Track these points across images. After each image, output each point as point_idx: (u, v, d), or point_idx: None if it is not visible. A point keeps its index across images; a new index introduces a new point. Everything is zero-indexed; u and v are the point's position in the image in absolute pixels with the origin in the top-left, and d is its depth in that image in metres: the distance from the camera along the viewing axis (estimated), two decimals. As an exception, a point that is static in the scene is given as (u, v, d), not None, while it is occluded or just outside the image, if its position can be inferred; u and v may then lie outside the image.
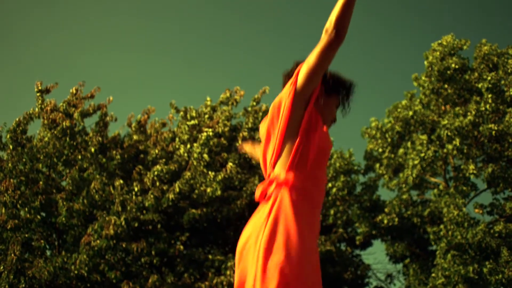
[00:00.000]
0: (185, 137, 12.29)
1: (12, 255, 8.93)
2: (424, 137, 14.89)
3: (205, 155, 11.05)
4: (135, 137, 12.95)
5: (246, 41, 46.22)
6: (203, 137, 11.12)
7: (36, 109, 10.91)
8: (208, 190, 10.90)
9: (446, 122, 14.20)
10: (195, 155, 11.02)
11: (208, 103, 13.69)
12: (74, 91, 11.42)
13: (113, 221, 9.51)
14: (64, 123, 10.33)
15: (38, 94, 11.13)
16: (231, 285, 10.12)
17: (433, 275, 13.45)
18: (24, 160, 10.16)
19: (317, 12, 43.86)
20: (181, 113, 13.42)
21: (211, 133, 11.17)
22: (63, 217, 9.61)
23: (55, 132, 10.36)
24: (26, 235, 9.56)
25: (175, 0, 45.91)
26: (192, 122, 12.62)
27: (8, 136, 10.44)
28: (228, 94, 13.50)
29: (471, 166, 14.26)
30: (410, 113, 15.55)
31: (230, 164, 11.18)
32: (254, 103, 14.01)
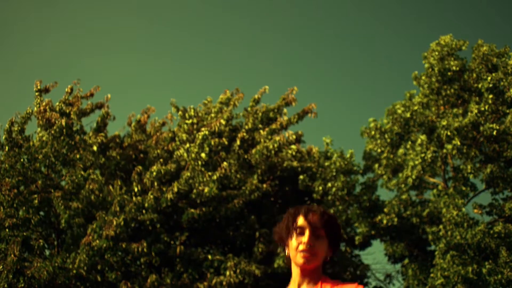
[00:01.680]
0: (184, 136, 12.28)
1: (12, 255, 8.93)
2: (424, 137, 14.89)
3: (203, 155, 11.05)
4: (135, 136, 12.94)
5: (246, 41, 46.23)
6: (200, 137, 11.12)
7: (35, 109, 10.90)
8: (206, 189, 10.91)
9: (445, 122, 14.20)
10: (193, 155, 11.02)
11: (207, 101, 13.67)
12: (69, 90, 11.41)
13: (114, 222, 9.51)
14: (59, 122, 10.32)
15: (37, 93, 11.12)
16: (230, 285, 10.13)
17: (432, 275, 13.45)
18: (22, 160, 10.15)
19: (317, 12, 43.87)
20: (180, 112, 13.41)
21: (207, 133, 11.17)
22: (66, 215, 9.60)
23: (52, 131, 10.36)
24: (25, 234, 9.55)
25: (175, 0, 45.91)
26: (190, 121, 12.61)
27: (4, 137, 10.43)
28: (228, 95, 13.50)
29: (470, 165, 14.28)
30: (408, 114, 15.54)
31: (225, 163, 11.19)
32: (254, 103, 14.02)
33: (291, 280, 2.19)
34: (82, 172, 10.28)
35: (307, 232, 2.10)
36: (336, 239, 2.19)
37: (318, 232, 2.12)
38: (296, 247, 2.10)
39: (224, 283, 10.03)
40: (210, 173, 11.05)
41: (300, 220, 2.14)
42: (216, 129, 12.13)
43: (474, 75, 15.41)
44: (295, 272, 2.15)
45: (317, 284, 2.11)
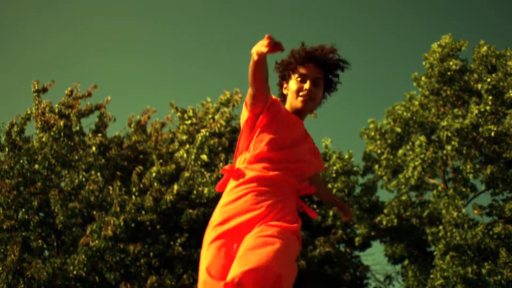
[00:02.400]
0: (184, 137, 12.29)
1: (12, 255, 8.94)
2: (423, 138, 14.90)
3: (204, 156, 11.05)
4: (134, 137, 12.94)
5: (246, 42, 46.27)
6: (199, 138, 11.12)
7: (33, 109, 10.88)
8: (205, 190, 10.91)
9: (445, 123, 14.21)
10: (193, 156, 11.02)
11: (205, 102, 13.65)
12: (69, 92, 11.40)
13: (112, 222, 9.51)
14: (58, 124, 10.32)
15: (35, 94, 11.09)
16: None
17: (431, 276, 13.45)
18: (21, 161, 10.15)
19: (317, 12, 43.91)
20: (179, 113, 13.38)
21: (207, 134, 11.17)
22: (61, 216, 9.60)
23: (51, 133, 10.35)
24: (24, 234, 9.56)
25: (175, 0, 45.96)
26: (190, 121, 12.61)
27: (3, 138, 10.43)
28: (228, 96, 13.50)
29: (469, 166, 14.29)
30: (407, 114, 15.55)
31: (222, 164, 11.19)
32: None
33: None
34: (84, 173, 10.29)
35: (308, 81, 2.31)
36: (333, 89, 2.44)
37: (319, 81, 2.33)
38: (296, 91, 2.32)
39: (223, 284, 10.02)
40: (209, 174, 11.05)
41: (304, 69, 2.31)
42: (217, 130, 12.13)
43: (475, 75, 15.41)
44: (290, 111, 2.36)
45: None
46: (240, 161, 2.25)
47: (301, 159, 2.23)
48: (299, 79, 2.31)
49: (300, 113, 2.33)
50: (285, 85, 2.40)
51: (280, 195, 2.14)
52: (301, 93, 2.29)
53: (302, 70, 2.30)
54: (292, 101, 2.33)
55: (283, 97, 2.40)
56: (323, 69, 2.32)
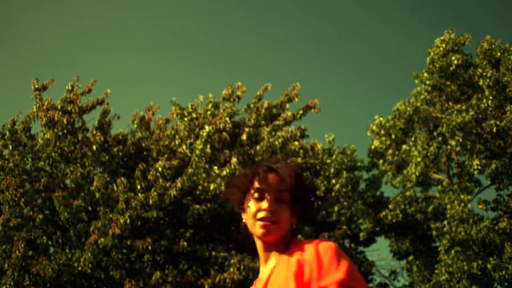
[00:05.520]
0: (185, 134, 12.29)
1: (17, 252, 9.00)
2: (424, 134, 14.87)
3: (208, 151, 11.06)
4: (138, 134, 12.98)
5: (248, 38, 46.21)
6: (204, 134, 11.13)
7: (34, 108, 10.94)
8: (212, 186, 10.92)
9: (449, 118, 14.16)
10: (197, 152, 11.04)
11: (202, 99, 13.65)
12: (70, 88, 11.45)
13: (121, 220, 9.55)
14: (62, 120, 10.36)
15: (35, 92, 11.14)
16: (234, 282, 10.15)
17: (436, 271, 13.44)
18: (25, 159, 10.21)
19: (321, 9, 43.78)
20: (178, 110, 13.37)
21: (212, 131, 11.19)
22: (65, 213, 9.65)
23: (56, 130, 10.40)
24: (31, 234, 9.63)
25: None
26: (189, 117, 12.62)
27: (7, 136, 10.49)
28: (230, 91, 13.49)
29: (475, 162, 14.24)
30: (409, 109, 15.49)
31: (234, 159, 11.18)
32: (256, 100, 14.01)
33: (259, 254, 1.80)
34: (91, 168, 10.34)
35: (267, 196, 1.72)
36: (302, 204, 1.78)
37: (280, 195, 1.72)
38: (253, 214, 1.72)
39: (227, 279, 10.05)
40: (218, 171, 11.05)
41: (258, 183, 1.74)
42: (221, 126, 12.14)
43: (480, 70, 15.34)
44: (258, 244, 1.77)
45: (286, 251, 1.71)
46: None
47: None
48: (256, 195, 1.73)
49: (268, 245, 1.74)
50: (243, 215, 1.79)
51: None
52: (258, 215, 1.70)
53: (258, 184, 1.73)
54: (251, 229, 1.74)
55: (246, 228, 1.80)
56: (284, 181, 1.72)
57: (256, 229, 1.71)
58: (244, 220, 1.79)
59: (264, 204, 1.70)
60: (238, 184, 1.79)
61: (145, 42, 43.21)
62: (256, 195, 1.73)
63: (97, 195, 9.99)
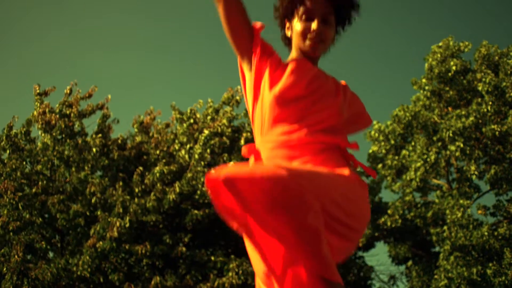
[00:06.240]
0: (184, 138, 12.30)
1: (16, 256, 8.99)
2: (424, 140, 14.89)
3: (207, 155, 11.06)
4: (138, 138, 12.99)
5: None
6: (202, 138, 11.14)
7: (35, 112, 10.97)
8: (211, 190, 10.90)
9: (448, 123, 14.19)
10: (196, 156, 11.04)
11: (202, 103, 13.65)
12: (68, 91, 11.48)
13: (118, 223, 9.55)
14: (59, 124, 10.38)
15: (37, 97, 11.19)
16: (233, 287, 10.13)
17: (436, 276, 13.43)
18: (24, 163, 10.22)
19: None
20: (177, 114, 13.37)
21: (210, 135, 11.19)
22: (62, 219, 9.67)
23: (54, 134, 10.42)
24: (30, 237, 9.62)
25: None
26: (188, 122, 12.62)
27: (4, 140, 10.50)
28: (230, 94, 13.50)
29: (472, 167, 14.26)
30: (408, 114, 15.52)
31: (232, 163, 11.19)
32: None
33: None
34: (88, 173, 10.34)
35: (316, 19, 1.86)
36: (345, 25, 1.97)
37: (328, 17, 1.87)
38: (301, 32, 1.88)
39: (226, 284, 10.03)
40: None
41: (309, 3, 1.86)
42: (219, 130, 12.15)
43: (479, 75, 15.38)
44: (297, 55, 1.94)
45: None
46: (257, 135, 1.87)
47: (325, 107, 1.81)
48: (304, 17, 1.87)
49: (309, 59, 1.93)
50: (287, 25, 1.96)
51: (314, 158, 1.72)
52: (308, 35, 1.86)
53: (308, 5, 1.86)
54: (297, 45, 1.91)
55: (287, 40, 1.99)
56: (332, 2, 1.87)
57: (305, 46, 1.89)
58: (287, 34, 1.96)
59: (314, 25, 1.86)
60: (287, 3, 1.92)
61: (145, 44, 43.29)
62: (304, 16, 1.88)
63: (93, 200, 10.00)
